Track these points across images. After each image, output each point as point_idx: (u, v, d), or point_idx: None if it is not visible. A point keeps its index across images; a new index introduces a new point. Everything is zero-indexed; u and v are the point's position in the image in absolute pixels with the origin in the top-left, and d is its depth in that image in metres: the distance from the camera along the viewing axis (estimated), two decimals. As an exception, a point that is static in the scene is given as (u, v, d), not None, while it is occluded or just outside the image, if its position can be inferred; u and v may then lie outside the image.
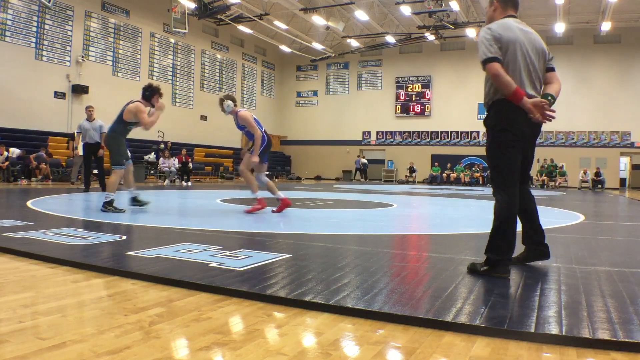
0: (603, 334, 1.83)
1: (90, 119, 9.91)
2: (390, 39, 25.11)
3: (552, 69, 3.01)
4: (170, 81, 22.98)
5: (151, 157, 18.46)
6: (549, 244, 3.06)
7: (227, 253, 3.28)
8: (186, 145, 20.43)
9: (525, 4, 21.45)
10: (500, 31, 2.78)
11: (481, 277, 2.76)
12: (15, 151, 14.77)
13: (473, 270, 2.84)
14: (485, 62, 2.73)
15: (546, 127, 27.13)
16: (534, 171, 23.61)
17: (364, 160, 27.96)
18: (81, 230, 4.32)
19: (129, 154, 6.55)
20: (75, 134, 10.03)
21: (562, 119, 24.88)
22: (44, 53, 17.25)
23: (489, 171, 3.02)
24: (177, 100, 23.48)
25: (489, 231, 2.82)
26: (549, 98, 2.79)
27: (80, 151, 13.20)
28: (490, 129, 2.86)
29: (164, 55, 22.63)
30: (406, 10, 20.72)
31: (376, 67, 29.42)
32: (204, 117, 24.95)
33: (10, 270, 2.79)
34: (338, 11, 23.18)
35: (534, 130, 2.90)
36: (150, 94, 6.24)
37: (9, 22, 16.06)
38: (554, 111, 2.71)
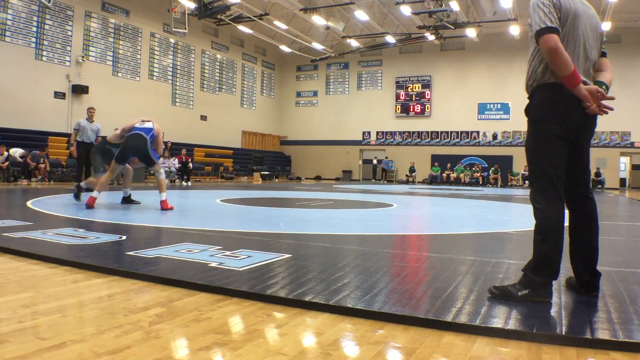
0: (603, 334, 1.83)
1: (90, 119, 10.07)
2: (390, 39, 25.11)
3: (605, 54, 2.50)
4: (170, 81, 22.99)
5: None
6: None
7: (227, 253, 3.28)
8: (186, 145, 20.43)
9: (525, 4, 21.43)
10: None
11: (482, 278, 2.75)
12: (17, 151, 14.76)
13: (506, 295, 2.28)
14: (541, 34, 2.22)
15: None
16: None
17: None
18: (81, 230, 4.32)
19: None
20: (73, 132, 10.09)
21: (562, 119, 24.88)
22: (44, 53, 17.25)
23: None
24: (177, 100, 23.49)
25: (532, 247, 2.34)
26: (603, 87, 2.32)
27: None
28: (534, 120, 2.37)
29: (164, 55, 22.63)
30: (406, 10, 20.72)
31: (376, 67, 29.42)
32: (204, 117, 24.96)
33: (10, 270, 2.79)
34: (338, 11, 23.18)
35: (589, 126, 2.39)
36: None
37: (9, 22, 16.06)
38: (612, 98, 2.29)
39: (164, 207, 6.49)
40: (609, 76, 2.43)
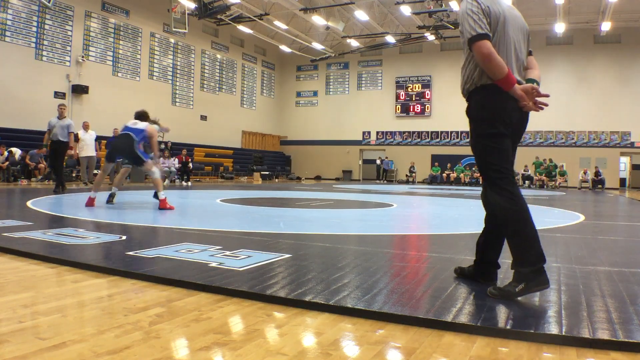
0: (603, 334, 1.83)
1: (61, 117, 9.91)
2: (390, 39, 25.11)
3: (531, 53, 2.62)
4: (170, 81, 22.98)
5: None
6: (549, 244, 3.05)
7: (227, 253, 3.28)
8: (186, 145, 20.43)
9: (525, 4, 21.43)
10: (487, 3, 2.37)
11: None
12: (18, 151, 14.77)
13: (505, 295, 2.28)
14: (473, 41, 2.29)
15: (546, 127, 26.65)
16: (532, 170, 23.61)
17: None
18: (81, 230, 4.32)
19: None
20: (47, 132, 10.00)
21: (562, 119, 24.87)
22: (44, 53, 17.25)
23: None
24: (177, 100, 23.49)
25: (507, 244, 2.38)
26: (535, 84, 2.42)
27: (87, 151, 13.27)
28: (478, 121, 2.46)
29: (164, 55, 22.63)
30: (406, 10, 20.72)
31: (376, 67, 29.42)
32: (204, 117, 24.96)
33: (10, 270, 2.79)
34: (338, 11, 23.18)
35: (523, 123, 2.49)
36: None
37: (9, 22, 16.06)
38: (547, 95, 2.37)
39: (163, 206, 6.47)
40: (538, 73, 2.55)
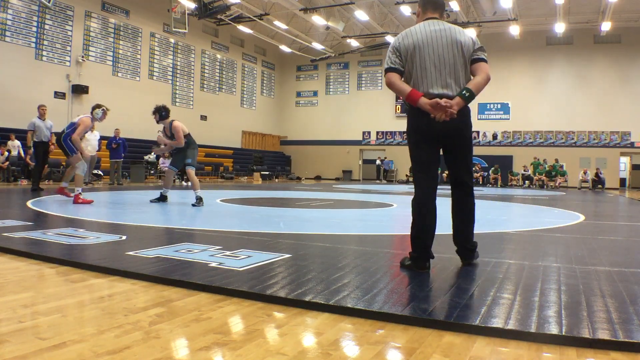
0: (603, 334, 1.83)
1: (42, 117, 9.94)
2: (390, 39, 25.09)
3: (479, 60, 2.90)
4: (170, 81, 22.98)
5: (151, 157, 18.48)
6: (549, 244, 3.06)
7: (227, 253, 3.28)
8: (186, 145, 20.39)
9: (525, 4, 21.43)
10: (400, 40, 2.92)
11: (482, 278, 2.76)
12: (15, 145, 14.76)
13: (401, 264, 3.00)
14: (384, 73, 2.92)
15: (546, 127, 26.50)
16: (531, 170, 23.62)
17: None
18: (81, 230, 4.32)
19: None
20: (29, 133, 10.00)
21: (562, 119, 24.88)
22: (44, 53, 17.25)
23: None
24: (177, 100, 23.48)
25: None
26: (464, 92, 2.77)
27: (89, 152, 13.31)
28: (407, 129, 3.02)
29: (164, 55, 22.63)
30: (406, 10, 20.73)
31: (376, 67, 29.41)
32: (204, 117, 24.96)
33: (10, 270, 2.79)
34: (338, 11, 23.18)
35: (452, 130, 2.84)
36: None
37: (9, 22, 16.06)
38: (449, 106, 2.68)
39: (76, 200, 6.89)
40: (478, 79, 2.85)
